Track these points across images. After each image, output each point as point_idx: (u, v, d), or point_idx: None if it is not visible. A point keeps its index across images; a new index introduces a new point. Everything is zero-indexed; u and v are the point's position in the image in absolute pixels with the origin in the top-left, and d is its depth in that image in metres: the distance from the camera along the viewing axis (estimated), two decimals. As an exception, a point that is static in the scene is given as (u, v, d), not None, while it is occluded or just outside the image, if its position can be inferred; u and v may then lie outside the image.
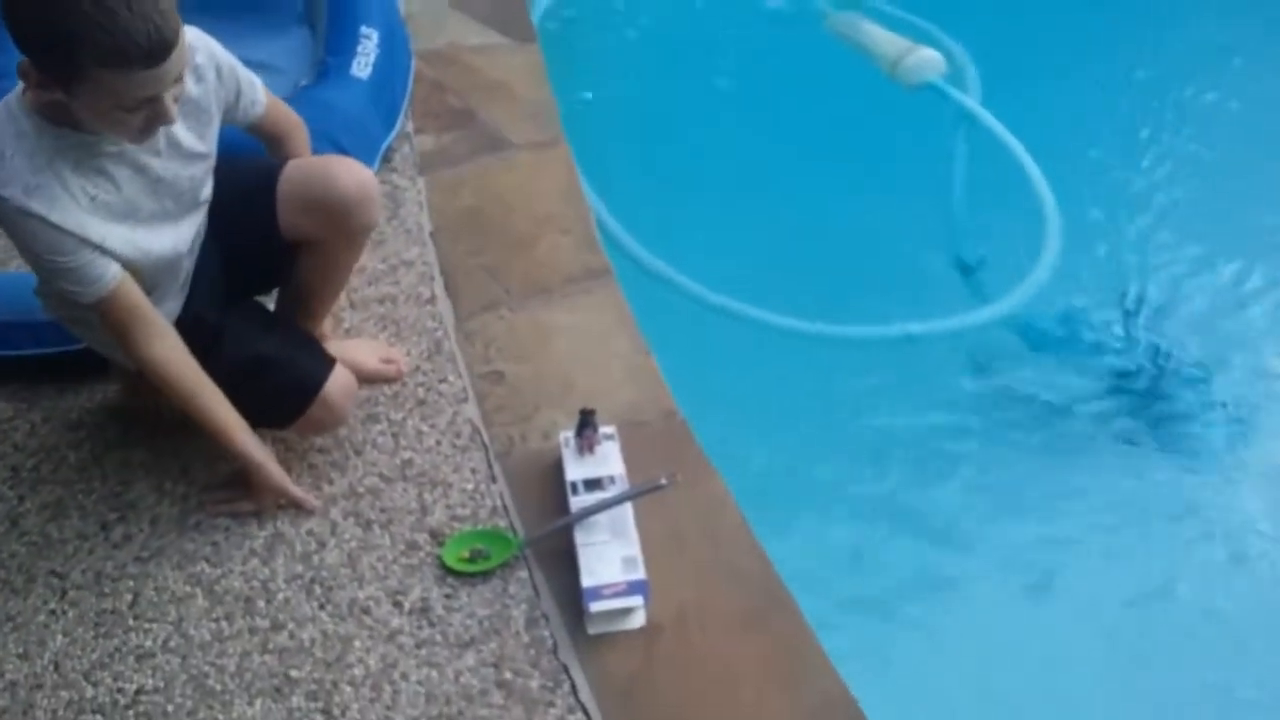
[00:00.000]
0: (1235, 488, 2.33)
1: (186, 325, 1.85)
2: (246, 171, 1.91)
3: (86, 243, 1.61)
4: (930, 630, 2.06)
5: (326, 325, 2.16)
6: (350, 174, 1.89)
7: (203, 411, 1.81)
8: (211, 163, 1.80)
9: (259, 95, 1.83)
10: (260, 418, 1.91)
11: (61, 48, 1.44)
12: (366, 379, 2.07)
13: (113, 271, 1.65)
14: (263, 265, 1.98)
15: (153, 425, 2.07)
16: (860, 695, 1.66)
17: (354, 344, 2.20)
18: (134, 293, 1.70)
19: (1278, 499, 2.30)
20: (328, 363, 1.94)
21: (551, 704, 1.68)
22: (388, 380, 2.17)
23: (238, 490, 1.95)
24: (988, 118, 3.17)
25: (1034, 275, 2.71)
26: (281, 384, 1.91)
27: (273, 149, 1.95)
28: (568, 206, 2.55)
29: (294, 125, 1.95)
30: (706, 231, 2.80)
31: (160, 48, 1.45)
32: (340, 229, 1.91)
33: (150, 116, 1.54)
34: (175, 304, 1.86)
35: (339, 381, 1.94)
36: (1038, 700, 1.96)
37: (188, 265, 1.86)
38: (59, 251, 1.60)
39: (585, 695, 1.69)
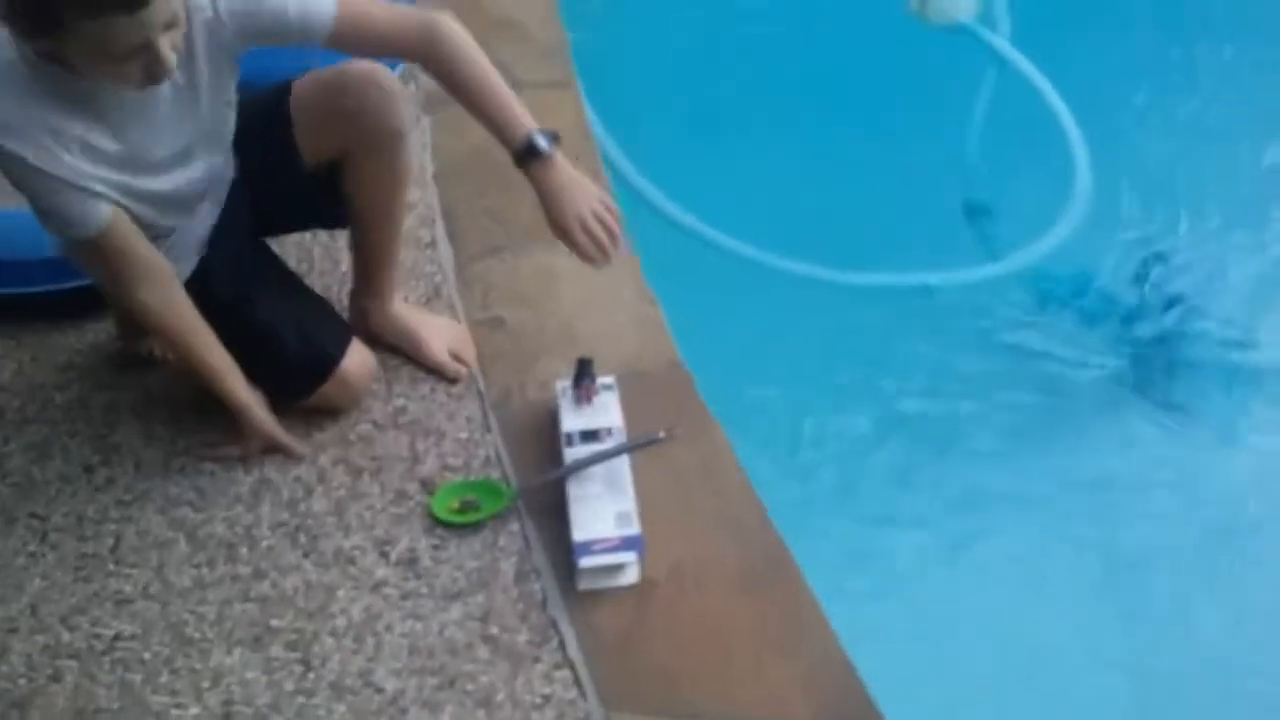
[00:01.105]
0: (1247, 451, 2.25)
1: (202, 289, 1.77)
2: (259, 100, 1.78)
3: (71, 185, 1.53)
4: (934, 594, 1.98)
5: (396, 300, 2.01)
6: (362, 70, 1.73)
7: (193, 354, 1.76)
8: (225, 98, 1.67)
9: (311, 8, 1.55)
10: (274, 391, 1.86)
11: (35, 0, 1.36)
12: (422, 363, 1.98)
13: (101, 213, 1.57)
14: (291, 202, 1.88)
15: (145, 369, 2.02)
16: (856, 658, 1.59)
17: (430, 321, 2.04)
18: (126, 235, 1.62)
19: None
20: (345, 339, 1.87)
21: (538, 659, 1.63)
22: (445, 378, 1.99)
23: (225, 435, 1.90)
24: (1022, 62, 3.04)
25: (1059, 228, 2.61)
26: (294, 359, 1.85)
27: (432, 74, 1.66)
28: (577, 148, 2.46)
29: (427, 37, 1.60)
30: (720, 176, 2.70)
31: None
32: (362, 139, 1.76)
33: (147, 65, 1.44)
34: (188, 266, 1.78)
35: (355, 359, 1.88)
36: (1038, 673, 1.89)
37: (200, 232, 1.78)
38: (41, 193, 1.54)
39: (573, 651, 1.63)
